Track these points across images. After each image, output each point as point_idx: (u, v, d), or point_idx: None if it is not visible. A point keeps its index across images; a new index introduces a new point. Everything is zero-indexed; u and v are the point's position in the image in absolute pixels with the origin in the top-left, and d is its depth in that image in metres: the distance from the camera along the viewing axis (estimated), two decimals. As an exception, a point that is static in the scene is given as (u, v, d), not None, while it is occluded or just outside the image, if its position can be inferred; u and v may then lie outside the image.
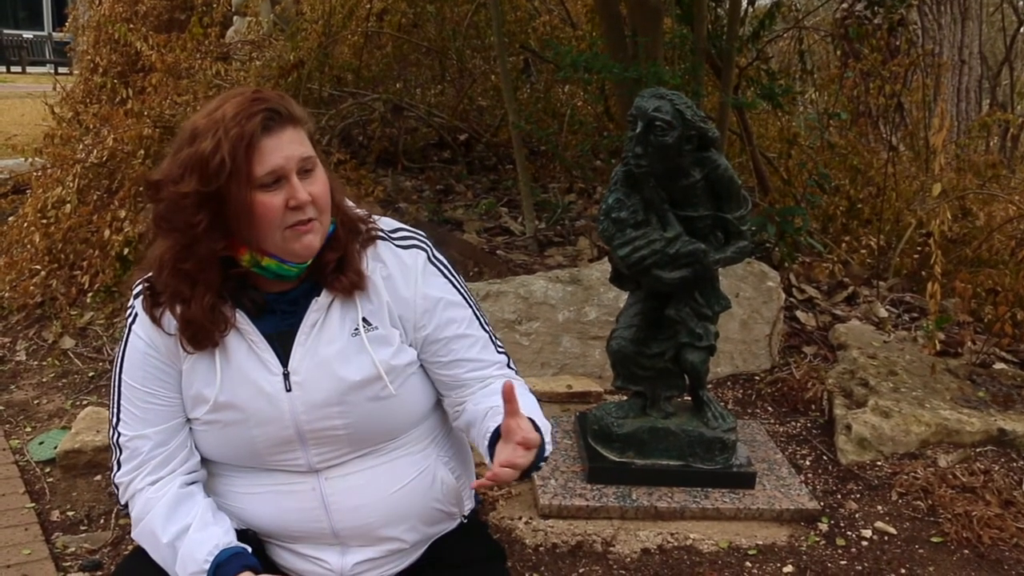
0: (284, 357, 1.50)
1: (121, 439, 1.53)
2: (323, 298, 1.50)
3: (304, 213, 1.41)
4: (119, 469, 1.54)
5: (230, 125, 1.36)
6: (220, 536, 1.47)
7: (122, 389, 1.53)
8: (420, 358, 1.59)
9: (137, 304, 1.52)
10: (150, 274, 1.50)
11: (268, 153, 1.38)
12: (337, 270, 1.50)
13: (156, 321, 1.49)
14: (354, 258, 1.51)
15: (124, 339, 1.54)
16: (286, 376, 1.49)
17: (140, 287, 1.52)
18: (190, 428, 1.55)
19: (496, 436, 1.43)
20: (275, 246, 1.43)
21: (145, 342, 1.50)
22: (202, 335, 1.46)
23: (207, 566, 1.43)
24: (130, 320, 1.53)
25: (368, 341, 1.50)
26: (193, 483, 1.55)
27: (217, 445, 1.54)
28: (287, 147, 1.40)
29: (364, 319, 1.51)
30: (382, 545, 1.58)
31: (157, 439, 1.51)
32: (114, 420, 1.54)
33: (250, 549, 1.49)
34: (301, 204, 1.40)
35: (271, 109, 1.39)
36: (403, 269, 1.55)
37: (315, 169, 1.45)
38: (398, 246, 1.57)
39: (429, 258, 1.59)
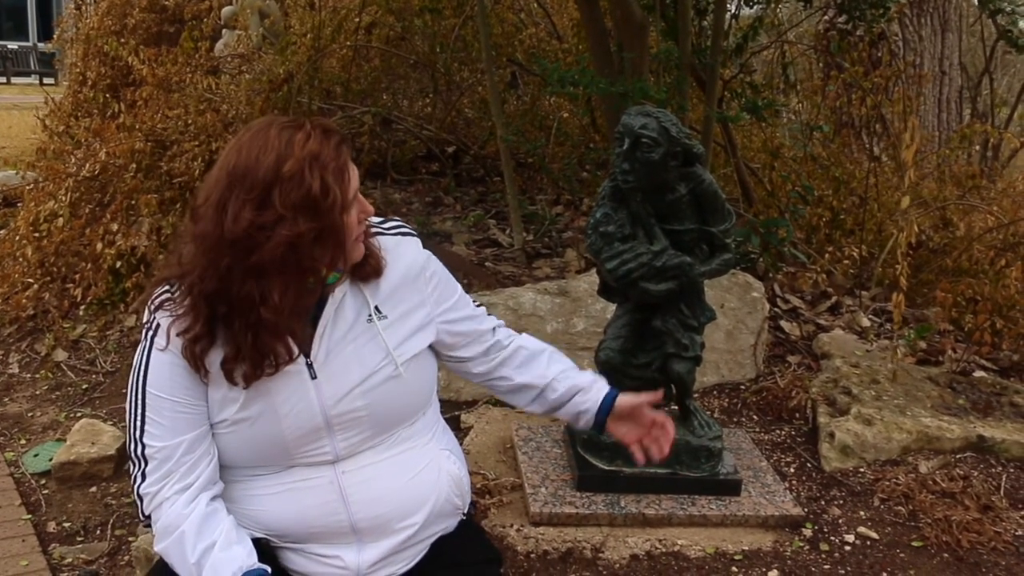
0: (305, 347, 1.57)
1: (147, 450, 1.53)
2: (337, 291, 1.60)
3: (368, 221, 1.60)
4: (143, 480, 1.54)
5: (327, 160, 1.46)
6: (244, 558, 1.50)
7: (147, 400, 1.53)
8: (440, 326, 1.76)
9: (159, 315, 1.53)
10: (167, 287, 1.54)
11: (353, 177, 1.53)
12: (362, 260, 1.62)
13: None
14: (372, 246, 1.65)
15: (144, 351, 1.55)
16: (310, 365, 1.57)
17: (161, 298, 1.54)
18: (213, 435, 1.58)
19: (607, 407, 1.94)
20: (350, 257, 1.57)
21: (171, 352, 1.52)
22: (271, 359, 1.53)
23: None
24: (151, 332, 1.54)
25: (380, 327, 1.63)
26: (216, 497, 1.57)
27: (243, 446, 1.58)
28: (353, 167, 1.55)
29: (376, 307, 1.64)
30: (397, 536, 1.64)
31: (186, 446, 1.53)
32: (137, 433, 1.54)
33: (270, 570, 1.52)
34: (370, 213, 1.59)
35: (343, 136, 1.52)
36: (404, 255, 1.70)
37: None
38: (393, 234, 1.72)
39: (421, 243, 1.77)
